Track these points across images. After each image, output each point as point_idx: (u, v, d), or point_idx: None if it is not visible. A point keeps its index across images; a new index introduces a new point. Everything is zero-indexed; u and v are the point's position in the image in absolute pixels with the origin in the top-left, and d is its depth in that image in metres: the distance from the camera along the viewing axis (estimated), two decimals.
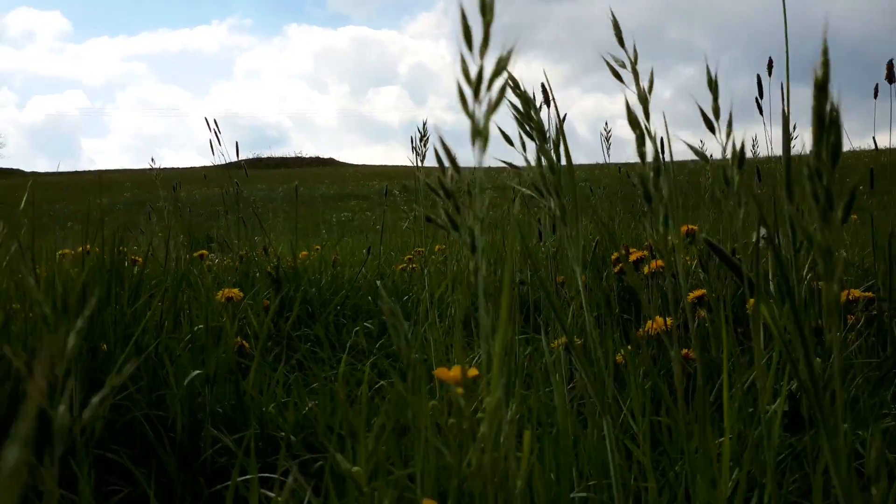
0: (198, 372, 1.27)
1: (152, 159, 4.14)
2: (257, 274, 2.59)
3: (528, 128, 0.59)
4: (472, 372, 0.50)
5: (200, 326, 1.62)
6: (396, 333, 0.56)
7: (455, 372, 0.50)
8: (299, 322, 2.19)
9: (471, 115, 0.44)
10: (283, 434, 1.26)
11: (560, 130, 0.58)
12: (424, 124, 1.92)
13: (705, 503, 0.67)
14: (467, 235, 0.50)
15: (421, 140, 2.30)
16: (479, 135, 0.44)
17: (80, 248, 1.80)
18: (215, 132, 3.59)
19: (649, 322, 1.42)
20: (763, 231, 0.89)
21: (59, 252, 1.91)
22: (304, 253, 3.21)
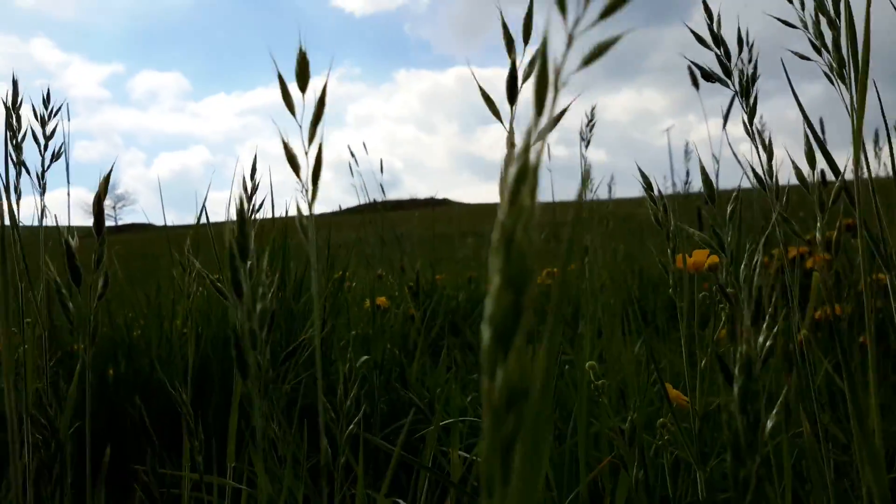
0: (366, 357, 1.32)
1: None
2: (396, 292, 2.67)
3: None
4: (714, 259, 0.51)
5: (355, 332, 1.69)
6: None
7: (700, 255, 0.51)
8: (443, 332, 2.23)
9: None
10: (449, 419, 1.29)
11: None
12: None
13: None
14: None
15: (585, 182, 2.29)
16: None
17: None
18: (351, 165, 3.75)
19: (819, 311, 1.36)
20: None
21: None
22: (439, 276, 3.28)
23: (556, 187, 3.30)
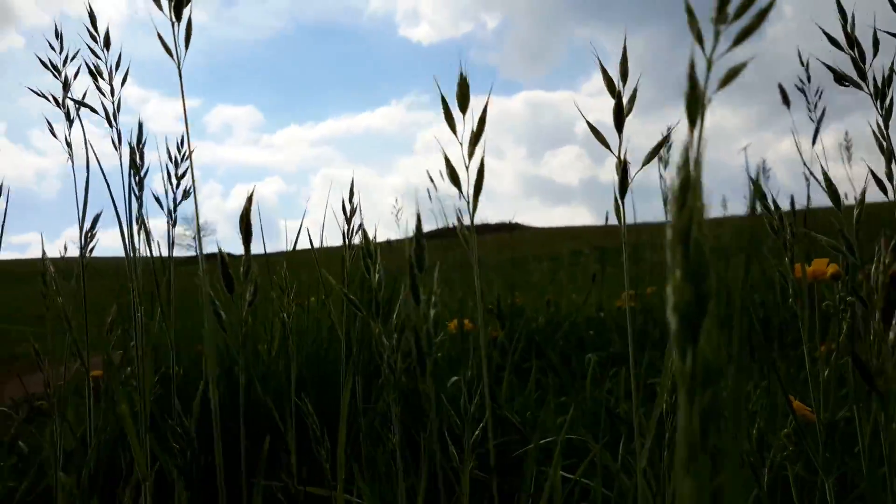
0: (455, 378, 1.34)
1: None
2: (474, 315, 2.69)
3: None
4: (834, 267, 0.51)
5: (438, 355, 1.72)
6: None
7: (820, 264, 0.51)
8: (526, 354, 2.23)
9: None
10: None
11: None
12: None
13: None
14: None
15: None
16: None
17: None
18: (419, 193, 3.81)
19: None
20: None
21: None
22: (518, 299, 3.29)
23: (636, 209, 3.27)
